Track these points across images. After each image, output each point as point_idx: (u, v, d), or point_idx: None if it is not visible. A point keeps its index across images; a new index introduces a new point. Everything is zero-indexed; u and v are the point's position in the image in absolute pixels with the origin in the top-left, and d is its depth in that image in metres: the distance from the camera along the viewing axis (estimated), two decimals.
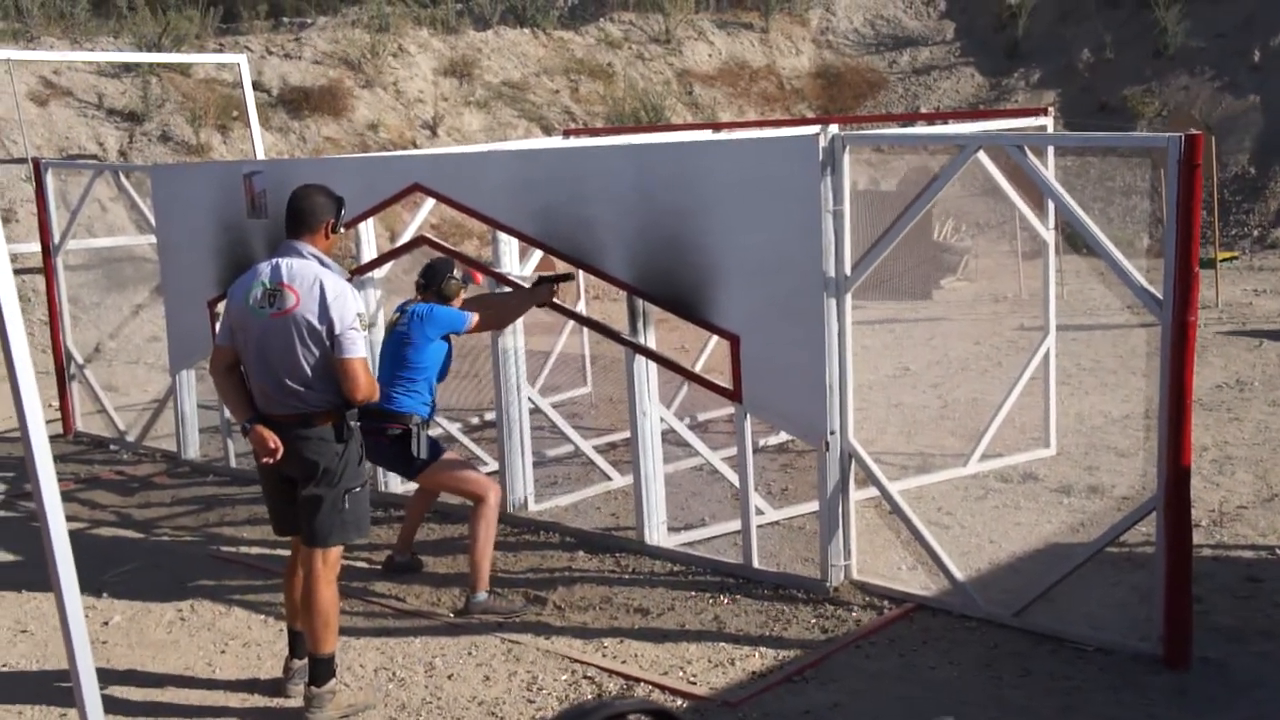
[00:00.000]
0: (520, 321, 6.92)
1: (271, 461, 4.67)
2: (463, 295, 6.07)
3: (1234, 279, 13.64)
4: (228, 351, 4.79)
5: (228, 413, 8.07)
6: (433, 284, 5.97)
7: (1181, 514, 4.79)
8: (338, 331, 4.58)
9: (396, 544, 6.31)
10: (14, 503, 7.72)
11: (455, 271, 6.02)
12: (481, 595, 5.69)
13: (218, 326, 4.95)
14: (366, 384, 4.65)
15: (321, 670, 4.74)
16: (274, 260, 4.76)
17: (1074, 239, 11.62)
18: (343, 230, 4.98)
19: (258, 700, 4.97)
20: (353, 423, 4.75)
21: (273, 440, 4.64)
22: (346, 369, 4.60)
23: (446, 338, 5.93)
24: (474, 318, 5.93)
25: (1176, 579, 4.78)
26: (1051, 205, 7.17)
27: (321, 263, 4.72)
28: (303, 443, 4.66)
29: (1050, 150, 7.19)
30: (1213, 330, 10.95)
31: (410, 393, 5.76)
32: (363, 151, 14.76)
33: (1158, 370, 4.82)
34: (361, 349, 4.63)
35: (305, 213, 4.75)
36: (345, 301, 4.61)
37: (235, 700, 4.98)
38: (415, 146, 15.38)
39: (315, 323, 4.58)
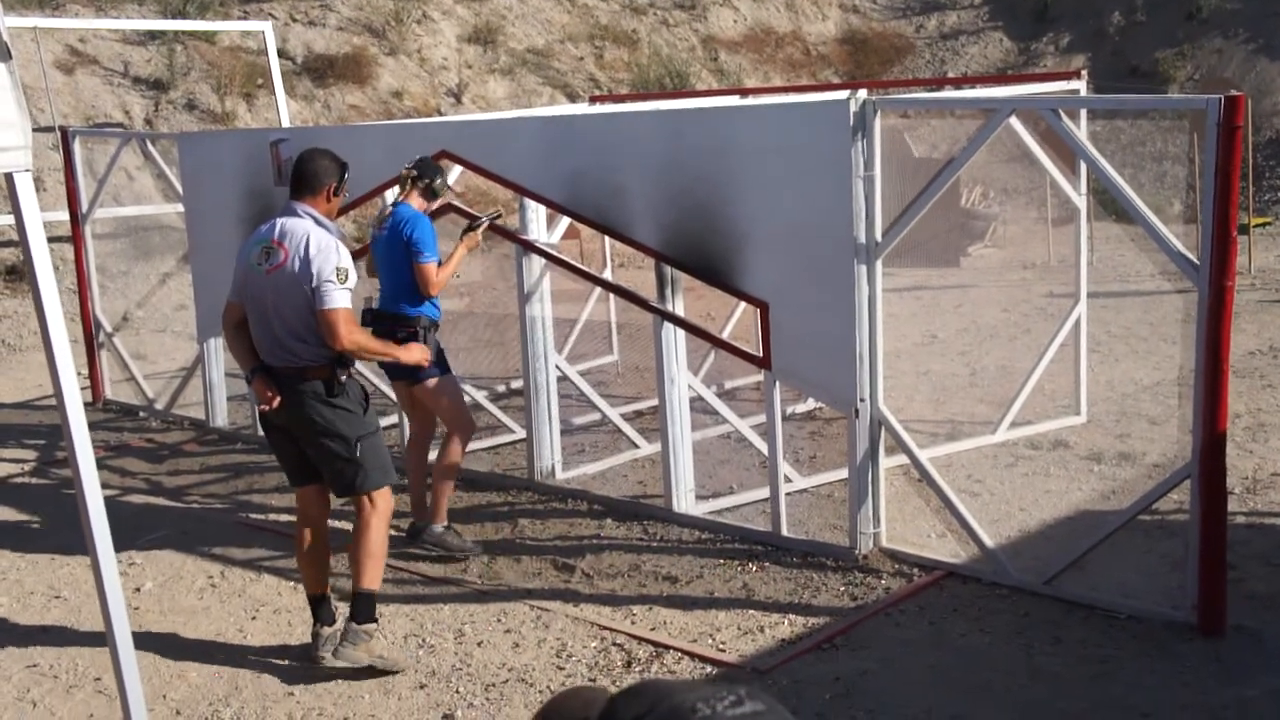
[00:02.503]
0: (547, 289, 6.92)
1: (267, 409, 4.85)
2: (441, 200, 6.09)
3: (1267, 245, 13.49)
4: (236, 308, 4.96)
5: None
6: (425, 176, 5.91)
7: (1216, 481, 4.75)
8: (314, 285, 4.71)
9: (412, 509, 6.30)
10: (46, 470, 7.77)
11: (444, 176, 6.03)
12: (437, 527, 5.90)
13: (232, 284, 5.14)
14: (346, 335, 4.73)
15: (361, 606, 4.87)
16: (273, 220, 4.92)
17: (1106, 204, 11.50)
18: (346, 194, 5.08)
19: (289, 665, 5.01)
20: (344, 378, 4.84)
21: (269, 389, 4.81)
22: (324, 319, 4.71)
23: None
24: (434, 265, 5.79)
25: (1210, 546, 4.74)
26: (1083, 170, 7.09)
27: (317, 222, 4.85)
28: (297, 397, 4.81)
29: (1083, 115, 7.09)
30: (1245, 297, 10.82)
31: (418, 297, 5.81)
32: (387, 119, 14.73)
33: (1193, 336, 4.77)
34: (339, 301, 4.72)
35: (308, 175, 4.90)
36: (327, 255, 4.73)
37: (266, 665, 5.02)
38: (440, 114, 15.34)
39: (298, 277, 4.73)
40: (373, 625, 4.89)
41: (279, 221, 4.88)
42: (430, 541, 5.87)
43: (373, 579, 4.88)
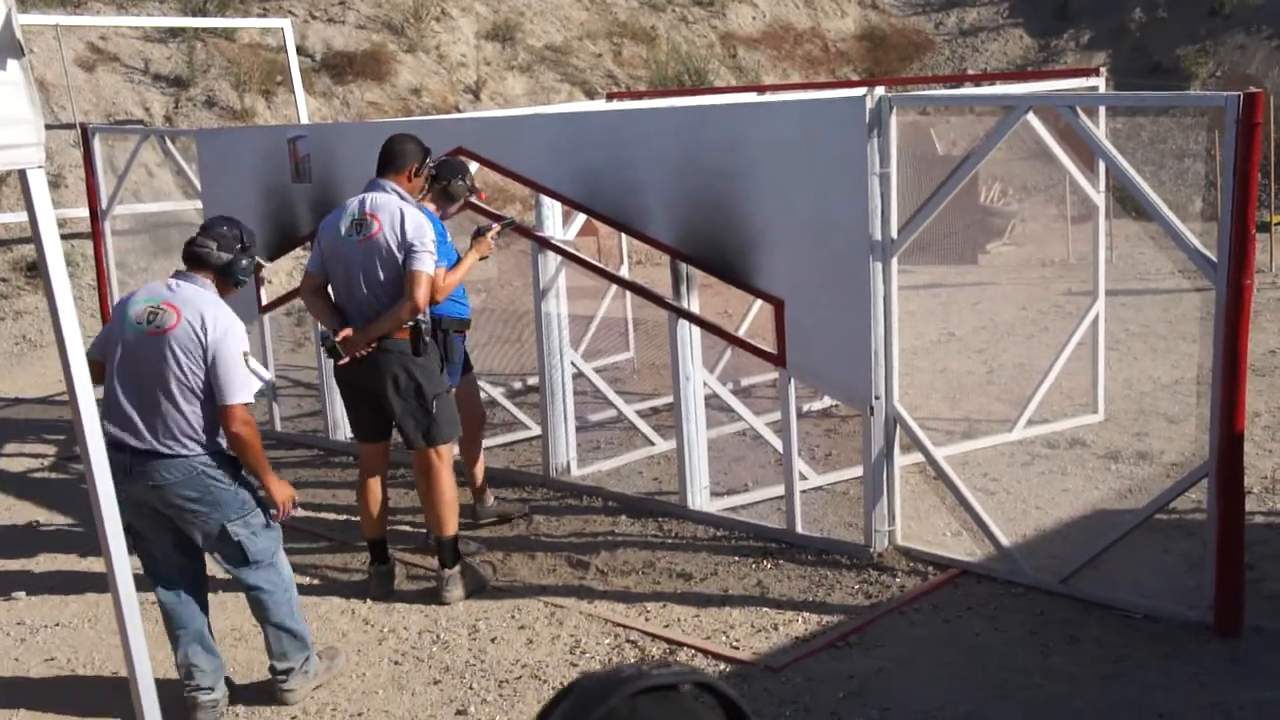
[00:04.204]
0: (562, 286, 6.91)
1: (354, 358, 5.22)
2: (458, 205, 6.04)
3: None
4: (316, 277, 5.45)
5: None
6: (443, 177, 5.82)
7: (1234, 480, 4.71)
8: (410, 247, 5.17)
9: (473, 495, 6.38)
10: (65, 465, 7.82)
11: (466, 178, 5.96)
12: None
13: (309, 256, 5.64)
14: (424, 297, 5.19)
15: (449, 554, 5.47)
16: (361, 196, 5.38)
17: (1125, 202, 11.43)
18: (426, 176, 5.56)
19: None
20: (428, 338, 5.32)
21: (360, 339, 5.22)
22: (414, 278, 5.14)
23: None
24: (442, 270, 5.59)
25: (1228, 546, 4.71)
26: (1102, 168, 7.04)
27: (403, 198, 5.33)
28: (384, 355, 5.27)
29: (1102, 111, 7.05)
30: (1266, 295, 10.74)
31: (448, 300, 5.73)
32: (405, 116, 14.74)
33: (1211, 335, 4.74)
34: (429, 265, 5.20)
35: (394, 155, 5.41)
36: (422, 229, 5.24)
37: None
38: (458, 111, 15.35)
39: (394, 248, 5.20)
40: (459, 564, 5.49)
41: (368, 197, 5.34)
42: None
43: (452, 525, 5.44)
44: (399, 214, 5.23)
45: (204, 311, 4.40)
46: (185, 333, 4.36)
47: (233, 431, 4.41)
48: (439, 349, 5.46)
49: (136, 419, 4.39)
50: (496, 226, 5.90)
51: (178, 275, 4.57)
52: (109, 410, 4.43)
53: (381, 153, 5.44)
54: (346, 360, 5.27)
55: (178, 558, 4.60)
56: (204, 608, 4.68)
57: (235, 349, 4.39)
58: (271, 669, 4.71)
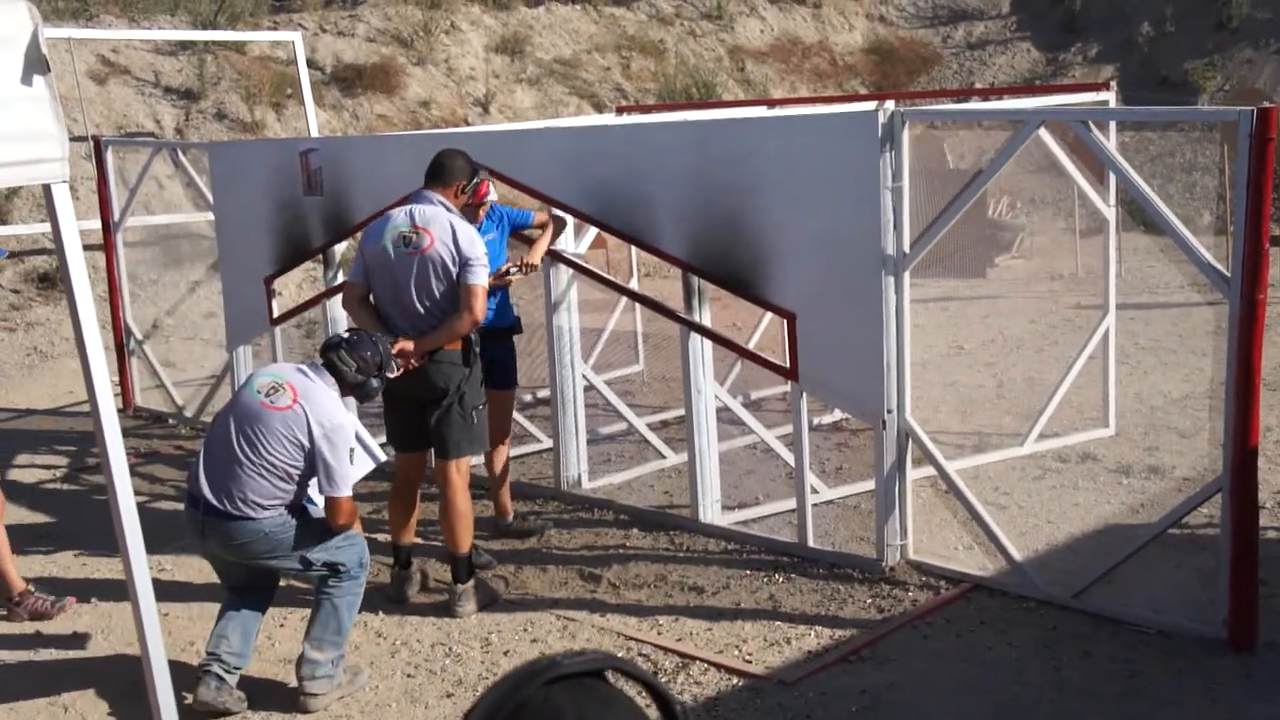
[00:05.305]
0: (574, 299, 6.93)
1: (402, 371, 5.17)
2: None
3: None
4: (359, 287, 5.48)
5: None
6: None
7: (1248, 495, 4.71)
8: (463, 263, 5.22)
9: (496, 512, 6.43)
10: (77, 476, 7.83)
11: (480, 174, 5.76)
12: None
13: (351, 266, 5.66)
14: (482, 310, 5.30)
15: (462, 569, 5.49)
16: (408, 207, 5.41)
17: (1134, 215, 11.43)
18: (469, 196, 5.55)
19: None
20: (477, 348, 5.38)
21: (418, 350, 5.24)
22: (472, 293, 5.22)
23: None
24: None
25: (1242, 561, 4.71)
26: (1112, 181, 7.05)
27: (449, 210, 5.37)
28: (434, 366, 5.31)
29: (1112, 126, 7.06)
30: (1277, 309, 10.72)
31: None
32: (415, 129, 14.78)
33: (1223, 349, 4.74)
34: (484, 278, 5.29)
35: (444, 169, 5.46)
36: (475, 242, 5.31)
37: (291, 674, 5.03)
38: (467, 124, 15.40)
39: (448, 260, 5.24)
40: (472, 580, 5.51)
41: (415, 209, 5.35)
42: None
43: (468, 542, 5.48)
44: (450, 228, 5.27)
45: (319, 406, 4.66)
46: (293, 418, 4.63)
47: (340, 524, 4.71)
48: (480, 360, 5.49)
49: (220, 478, 4.64)
50: (517, 276, 6.11)
51: (313, 365, 4.84)
52: (197, 464, 4.72)
53: (431, 166, 5.47)
54: (401, 373, 5.22)
55: (248, 574, 4.88)
56: (261, 609, 4.90)
57: (343, 445, 4.65)
58: (300, 661, 4.73)
